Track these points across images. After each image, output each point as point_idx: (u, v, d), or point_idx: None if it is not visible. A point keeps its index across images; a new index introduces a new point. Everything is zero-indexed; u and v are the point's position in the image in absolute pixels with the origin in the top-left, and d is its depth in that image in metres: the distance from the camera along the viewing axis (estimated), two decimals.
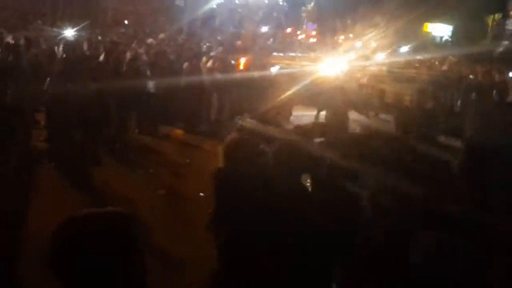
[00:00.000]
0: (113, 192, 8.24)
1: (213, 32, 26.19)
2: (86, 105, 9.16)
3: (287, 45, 25.38)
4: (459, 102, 13.67)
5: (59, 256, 1.82)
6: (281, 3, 34.47)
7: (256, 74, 13.53)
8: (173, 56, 14.26)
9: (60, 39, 14.53)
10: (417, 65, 19.42)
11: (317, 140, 5.83)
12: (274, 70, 14.77)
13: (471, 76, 16.38)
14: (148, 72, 11.55)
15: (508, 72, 16.54)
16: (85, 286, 1.81)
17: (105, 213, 1.92)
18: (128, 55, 11.92)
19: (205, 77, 12.97)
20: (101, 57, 11.12)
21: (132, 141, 10.93)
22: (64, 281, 1.82)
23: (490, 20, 28.38)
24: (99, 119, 9.81)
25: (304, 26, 31.70)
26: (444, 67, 18.36)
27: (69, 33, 15.99)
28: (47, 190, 7.96)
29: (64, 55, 11.55)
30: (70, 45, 12.96)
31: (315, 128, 7.16)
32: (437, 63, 19.68)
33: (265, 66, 14.71)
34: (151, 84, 11.38)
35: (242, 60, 15.09)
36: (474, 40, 26.11)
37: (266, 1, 33.23)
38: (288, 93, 11.39)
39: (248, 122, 5.25)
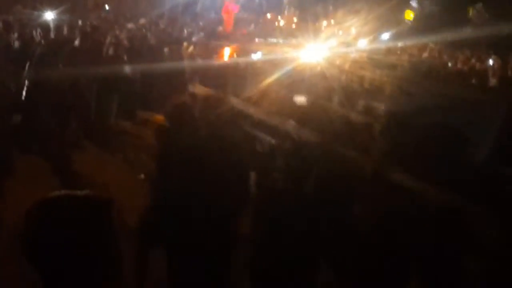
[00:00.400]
0: (92, 176, 8.21)
1: (194, 17, 25.99)
2: (64, 88, 9.11)
3: (268, 31, 25.27)
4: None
5: (31, 239, 1.80)
6: None
7: (238, 60, 13.49)
8: (153, 41, 14.17)
9: (40, 23, 14.35)
10: (398, 52, 19.50)
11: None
12: (256, 56, 14.71)
13: (449, 64, 16.56)
14: (127, 57, 11.46)
15: (488, 59, 16.69)
16: (59, 269, 1.79)
17: (80, 196, 1.89)
18: (108, 39, 11.81)
19: (186, 63, 12.91)
20: (76, 41, 10.96)
21: (112, 126, 10.88)
22: (36, 264, 1.80)
23: (470, 8, 28.46)
24: (78, 103, 9.75)
25: (286, 12, 31.52)
26: (425, 54, 18.48)
27: (49, 16, 15.80)
28: (24, 174, 7.91)
29: (42, 40, 11.42)
30: (48, 29, 12.81)
31: (263, 98, 7.65)
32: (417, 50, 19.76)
33: (248, 53, 14.66)
34: (131, 69, 11.29)
35: (227, 51, 15.01)
36: (455, 27, 26.21)
37: None
38: (270, 79, 11.38)
39: (198, 87, 5.82)
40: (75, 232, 1.79)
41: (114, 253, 1.89)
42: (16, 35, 11.36)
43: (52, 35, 12.30)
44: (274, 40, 21.73)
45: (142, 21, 19.48)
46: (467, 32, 20.87)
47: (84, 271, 1.81)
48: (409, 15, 30.48)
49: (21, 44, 10.92)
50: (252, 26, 25.94)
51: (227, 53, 14.46)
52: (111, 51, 11.05)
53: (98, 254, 1.84)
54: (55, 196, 1.86)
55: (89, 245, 1.81)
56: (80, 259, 1.79)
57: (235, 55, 13.98)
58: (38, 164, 8.67)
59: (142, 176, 8.39)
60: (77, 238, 1.79)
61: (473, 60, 16.49)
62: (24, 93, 9.99)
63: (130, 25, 17.24)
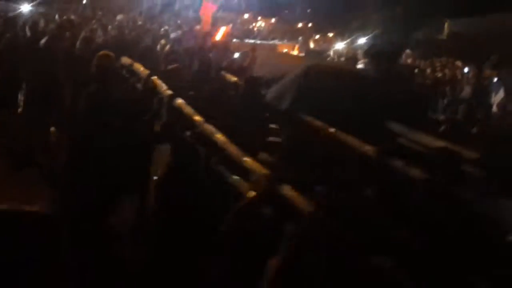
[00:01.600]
0: None
1: (172, 16, 25.83)
2: (38, 85, 9.03)
3: (245, 31, 25.23)
4: None
5: None
6: None
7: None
8: (131, 38, 14.04)
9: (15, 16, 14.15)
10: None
11: None
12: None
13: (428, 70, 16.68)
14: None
15: (463, 67, 16.83)
16: None
17: (25, 212, 1.81)
18: (82, 34, 11.64)
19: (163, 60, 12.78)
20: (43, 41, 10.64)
21: None
22: None
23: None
24: (53, 99, 9.64)
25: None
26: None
27: (26, 8, 15.55)
28: None
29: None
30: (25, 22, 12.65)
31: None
32: None
33: (227, 52, 14.59)
34: None
35: (222, 29, 15.08)
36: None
37: None
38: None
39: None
40: (16, 249, 1.73)
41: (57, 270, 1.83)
42: None
43: (28, 29, 12.10)
44: (251, 41, 21.70)
45: (119, 17, 19.33)
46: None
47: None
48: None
49: None
50: (231, 26, 25.86)
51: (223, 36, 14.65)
52: (83, 46, 10.86)
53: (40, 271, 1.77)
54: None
55: (30, 262, 1.74)
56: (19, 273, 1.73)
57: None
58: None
59: None
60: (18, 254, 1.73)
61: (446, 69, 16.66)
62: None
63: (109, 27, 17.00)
